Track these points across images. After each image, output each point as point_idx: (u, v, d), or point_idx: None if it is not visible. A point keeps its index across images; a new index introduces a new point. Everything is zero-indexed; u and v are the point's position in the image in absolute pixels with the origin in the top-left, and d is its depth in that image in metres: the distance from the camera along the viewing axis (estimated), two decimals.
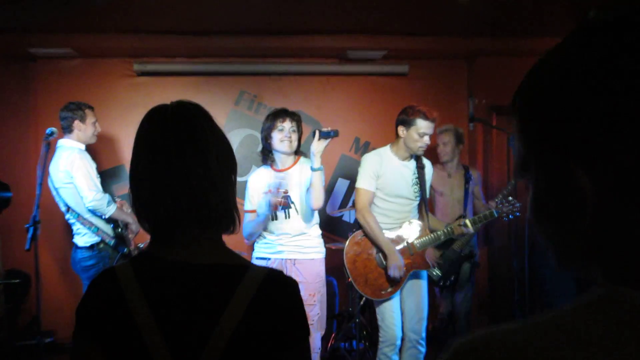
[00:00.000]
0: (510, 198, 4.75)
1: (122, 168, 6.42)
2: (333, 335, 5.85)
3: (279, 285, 1.47)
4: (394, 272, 4.42)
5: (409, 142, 4.44)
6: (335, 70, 6.78)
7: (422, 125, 4.37)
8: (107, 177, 6.27)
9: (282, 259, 4.39)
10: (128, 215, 5.13)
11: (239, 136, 6.59)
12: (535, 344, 0.63)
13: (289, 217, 4.38)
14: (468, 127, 5.81)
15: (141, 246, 5.22)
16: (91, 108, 5.23)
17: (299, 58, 6.69)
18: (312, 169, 4.23)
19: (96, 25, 5.81)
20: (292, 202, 4.36)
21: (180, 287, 1.42)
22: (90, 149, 6.13)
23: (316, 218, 4.52)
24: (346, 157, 6.82)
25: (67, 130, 5.13)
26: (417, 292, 4.63)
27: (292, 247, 4.40)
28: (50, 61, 6.39)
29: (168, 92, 6.40)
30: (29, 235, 4.52)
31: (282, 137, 4.31)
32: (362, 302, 5.42)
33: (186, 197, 1.45)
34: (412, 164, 4.60)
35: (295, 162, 4.48)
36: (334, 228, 6.74)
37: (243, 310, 1.39)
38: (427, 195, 4.76)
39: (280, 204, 4.29)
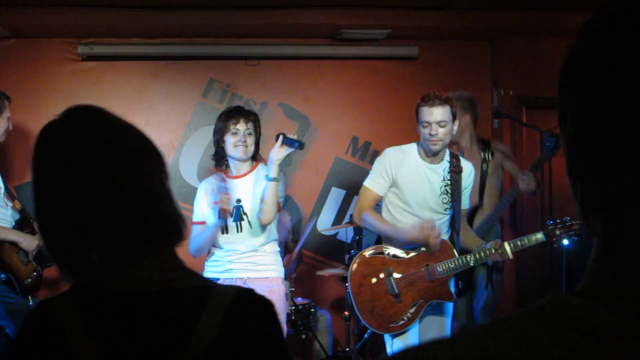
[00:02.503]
0: (566, 218, 4.60)
1: None
2: None
3: (251, 307, 1.50)
4: (431, 240, 4.35)
5: (420, 138, 4.50)
6: (327, 53, 6.79)
7: (422, 113, 4.39)
8: None
9: (232, 279, 4.48)
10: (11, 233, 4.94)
11: (208, 135, 6.39)
12: (469, 357, 0.70)
13: (241, 230, 4.49)
14: (492, 124, 5.84)
15: None
16: (9, 99, 5.11)
17: (282, 38, 6.71)
18: (267, 178, 4.34)
19: None
20: (245, 214, 4.49)
21: (133, 321, 1.45)
22: (23, 152, 6.15)
23: (273, 233, 4.63)
24: (341, 161, 6.81)
25: None
26: (437, 331, 4.66)
27: (243, 264, 4.50)
28: None
29: (120, 80, 6.49)
30: None
31: (236, 141, 4.41)
32: (362, 341, 5.52)
33: (114, 218, 1.47)
34: (442, 167, 4.58)
35: (252, 169, 4.59)
36: (326, 249, 6.71)
37: (210, 340, 1.41)
38: (465, 207, 4.74)
39: (229, 213, 4.43)
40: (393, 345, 4.59)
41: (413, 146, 4.60)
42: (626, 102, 0.69)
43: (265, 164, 4.56)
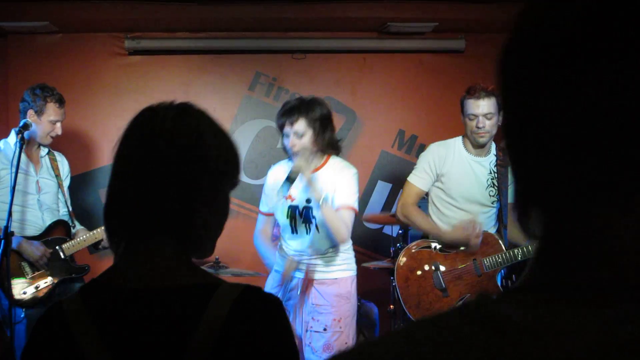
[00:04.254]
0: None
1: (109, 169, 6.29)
2: None
3: (256, 305, 1.49)
4: (472, 241, 4.44)
5: (466, 131, 4.55)
6: (374, 46, 6.78)
7: (469, 106, 4.46)
8: (92, 179, 6.40)
9: (299, 278, 4.31)
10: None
11: (254, 129, 6.60)
12: (386, 355, 0.70)
13: (309, 232, 4.23)
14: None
15: None
16: (60, 103, 5.02)
17: (329, 31, 6.69)
18: (317, 207, 4.11)
19: None
20: (314, 217, 4.19)
21: (136, 318, 1.48)
22: (71, 145, 6.19)
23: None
24: (388, 155, 6.79)
25: (22, 115, 5.00)
26: None
27: (312, 265, 4.30)
28: (24, 37, 6.39)
29: (167, 75, 6.50)
30: (0, 249, 4.43)
31: (288, 144, 4.14)
32: None
33: (161, 206, 1.52)
34: (489, 160, 4.59)
35: (322, 165, 4.24)
36: (372, 243, 6.71)
37: (214, 336, 1.42)
38: (512, 200, 4.66)
39: (288, 279, 4.31)
40: None
41: (458, 140, 4.64)
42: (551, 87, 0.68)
43: (338, 155, 4.33)
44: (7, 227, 4.46)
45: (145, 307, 1.48)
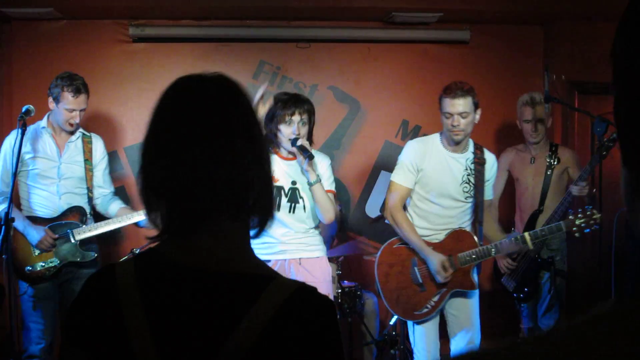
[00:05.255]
0: (588, 207, 4.66)
1: (116, 155, 6.39)
2: None
3: (311, 304, 1.46)
4: (440, 276, 4.58)
5: (443, 128, 4.63)
6: (378, 36, 6.79)
7: (445, 104, 4.54)
8: None
9: (285, 260, 4.56)
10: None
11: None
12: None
13: (293, 211, 4.55)
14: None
15: (137, 251, 5.22)
16: (76, 92, 5.06)
17: (334, 21, 6.69)
18: (309, 184, 4.44)
19: None
20: (301, 197, 4.54)
21: (184, 297, 1.46)
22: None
23: (318, 215, 4.70)
24: (391, 145, 6.76)
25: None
26: (463, 309, 4.77)
27: (296, 244, 4.57)
28: (28, 23, 6.39)
29: (171, 62, 6.47)
30: (0, 236, 4.52)
31: (290, 132, 4.43)
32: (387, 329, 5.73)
33: (221, 181, 1.48)
34: (465, 157, 4.70)
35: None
36: (376, 233, 6.69)
37: (260, 331, 1.39)
38: (489, 197, 4.89)
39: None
40: (415, 331, 4.75)
41: (436, 136, 4.76)
42: None
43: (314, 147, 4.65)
44: (7, 214, 4.57)
45: (195, 288, 1.47)
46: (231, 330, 1.40)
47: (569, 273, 5.73)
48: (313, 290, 1.48)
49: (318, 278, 4.50)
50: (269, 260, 4.49)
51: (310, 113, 4.54)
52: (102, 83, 6.33)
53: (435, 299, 4.64)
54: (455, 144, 4.62)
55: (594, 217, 4.61)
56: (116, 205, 5.29)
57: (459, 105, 4.46)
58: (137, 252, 5.20)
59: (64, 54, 6.35)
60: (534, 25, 6.90)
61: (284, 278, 1.49)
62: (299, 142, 4.36)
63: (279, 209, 4.53)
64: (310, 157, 4.34)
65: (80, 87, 5.05)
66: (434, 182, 4.64)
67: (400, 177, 4.69)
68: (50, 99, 5.01)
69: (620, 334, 0.66)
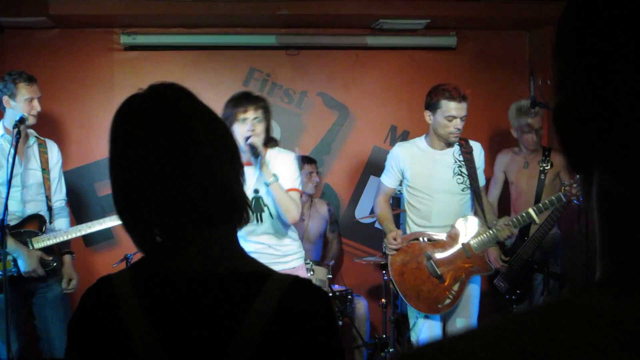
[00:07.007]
0: (579, 176, 4.64)
1: (106, 162, 6.30)
2: None
3: (306, 296, 1.49)
4: (391, 245, 4.77)
5: (438, 129, 4.68)
6: (366, 43, 6.78)
7: (448, 107, 4.58)
8: (87, 173, 6.43)
9: None
10: None
11: None
12: (487, 352, 0.68)
13: (261, 221, 4.39)
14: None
15: (130, 256, 5.26)
16: (30, 80, 5.03)
17: (322, 28, 6.72)
18: (266, 184, 4.28)
19: None
20: (266, 205, 4.36)
21: (186, 301, 1.47)
22: (67, 138, 6.27)
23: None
24: (380, 150, 6.76)
25: (1, 106, 5.02)
26: (466, 306, 4.83)
27: (269, 256, 4.35)
28: (21, 32, 6.41)
29: (162, 70, 6.46)
30: None
31: (245, 131, 4.19)
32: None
33: (189, 192, 1.50)
34: (452, 151, 4.79)
35: (264, 151, 4.41)
36: (364, 237, 6.76)
37: (263, 327, 1.41)
38: (483, 183, 5.00)
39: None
40: (421, 326, 4.82)
41: (421, 138, 4.89)
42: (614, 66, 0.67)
43: (278, 146, 4.52)
44: (2, 220, 4.55)
45: (194, 290, 1.48)
46: (237, 326, 1.42)
47: (562, 275, 5.73)
48: (308, 281, 1.53)
49: None
50: None
51: (265, 110, 4.31)
52: (94, 90, 6.39)
53: (456, 287, 4.70)
54: (447, 145, 4.73)
55: None
56: (62, 222, 5.23)
57: (463, 109, 4.58)
58: (130, 257, 5.23)
59: (56, 62, 6.38)
60: (520, 31, 6.95)
61: (278, 273, 1.52)
62: (248, 141, 4.16)
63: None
64: (255, 156, 4.18)
65: (31, 76, 5.04)
66: (424, 180, 4.75)
67: (385, 177, 4.95)
68: (6, 98, 4.93)
69: (565, 323, 0.67)
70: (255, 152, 4.17)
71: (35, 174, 5.11)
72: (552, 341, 0.66)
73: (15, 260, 4.81)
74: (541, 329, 0.68)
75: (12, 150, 4.70)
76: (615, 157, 0.69)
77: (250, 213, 4.20)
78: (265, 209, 4.36)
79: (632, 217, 0.69)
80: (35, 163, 5.13)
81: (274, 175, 4.23)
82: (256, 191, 4.34)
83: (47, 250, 4.96)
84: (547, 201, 4.81)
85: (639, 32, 0.65)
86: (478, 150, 4.87)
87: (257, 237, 4.39)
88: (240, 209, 1.59)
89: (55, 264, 5.01)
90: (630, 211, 0.69)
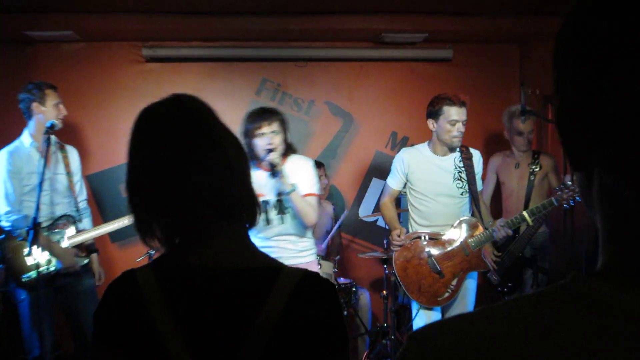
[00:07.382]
0: (569, 183, 4.79)
1: None
2: (366, 353, 5.95)
3: (316, 288, 1.53)
4: (394, 242, 4.86)
5: (442, 135, 4.73)
6: (369, 55, 6.87)
7: (450, 112, 4.65)
8: (113, 175, 6.51)
9: None
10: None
11: None
12: (489, 331, 0.70)
13: (283, 222, 4.53)
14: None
15: (152, 252, 5.35)
16: (53, 88, 5.13)
17: (329, 42, 6.79)
18: (284, 194, 4.41)
19: (101, 5, 5.85)
20: (287, 208, 4.48)
21: (206, 295, 1.50)
22: (93, 143, 6.36)
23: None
24: (381, 155, 6.92)
25: (26, 115, 5.08)
26: (464, 299, 4.90)
27: (290, 250, 4.54)
28: (50, 45, 6.49)
29: (181, 80, 6.61)
30: (29, 239, 4.60)
31: (264, 144, 4.31)
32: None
33: (207, 190, 1.52)
34: (452, 157, 4.86)
35: (283, 162, 4.48)
36: (367, 234, 6.87)
37: (277, 318, 1.45)
38: (481, 187, 5.02)
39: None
40: (420, 316, 4.86)
41: (424, 145, 4.94)
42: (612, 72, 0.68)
43: (296, 152, 4.60)
44: (35, 218, 4.61)
45: (214, 285, 1.50)
46: (254, 317, 1.45)
47: (550, 270, 5.80)
48: (316, 274, 1.56)
49: None
50: None
51: (281, 122, 4.38)
52: (118, 100, 6.51)
53: (454, 282, 4.76)
54: (450, 150, 4.79)
55: (576, 190, 4.68)
56: (86, 222, 5.33)
57: (463, 113, 4.66)
58: (152, 252, 5.32)
59: (83, 72, 6.51)
60: (511, 44, 7.04)
61: (289, 267, 1.57)
62: (268, 158, 4.27)
63: (269, 223, 4.47)
64: (273, 175, 4.32)
65: (52, 84, 5.12)
66: (426, 184, 4.80)
67: (390, 179, 5.00)
68: (36, 104, 4.98)
69: (564, 308, 0.69)
70: (274, 167, 4.30)
71: (62, 178, 5.18)
72: (555, 323, 0.67)
73: (52, 259, 4.89)
74: (545, 310, 0.69)
75: (43, 157, 4.78)
76: (615, 157, 0.69)
77: (275, 214, 4.41)
78: (287, 210, 4.49)
79: (632, 212, 0.69)
80: (61, 167, 5.20)
81: (292, 185, 4.35)
82: (279, 194, 4.44)
83: (78, 247, 5.10)
84: (540, 205, 4.82)
85: (635, 38, 0.66)
86: (477, 158, 4.91)
87: (280, 235, 4.52)
88: (252, 208, 1.63)
89: (87, 260, 5.20)
90: (631, 207, 0.69)
